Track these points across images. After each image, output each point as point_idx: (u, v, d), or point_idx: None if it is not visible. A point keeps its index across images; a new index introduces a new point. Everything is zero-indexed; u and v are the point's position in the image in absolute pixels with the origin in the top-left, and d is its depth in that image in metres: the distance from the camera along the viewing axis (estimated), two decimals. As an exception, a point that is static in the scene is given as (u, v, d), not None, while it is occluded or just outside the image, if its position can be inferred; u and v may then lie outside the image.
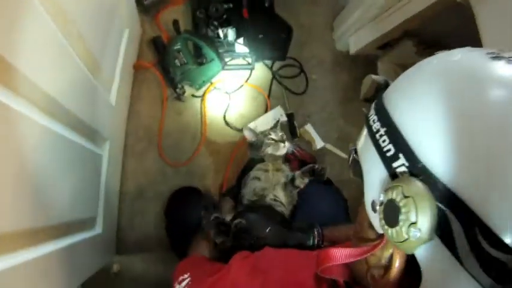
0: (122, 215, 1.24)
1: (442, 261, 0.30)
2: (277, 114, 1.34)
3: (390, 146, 0.34)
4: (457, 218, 0.29)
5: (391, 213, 0.32)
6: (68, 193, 0.77)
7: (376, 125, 0.37)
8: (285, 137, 0.95)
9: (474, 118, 0.29)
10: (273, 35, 1.34)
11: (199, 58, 1.25)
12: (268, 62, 1.41)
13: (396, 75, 0.40)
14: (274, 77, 1.40)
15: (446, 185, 0.29)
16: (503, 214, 0.26)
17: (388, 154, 0.34)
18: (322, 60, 1.46)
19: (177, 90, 1.26)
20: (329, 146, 1.35)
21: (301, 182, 0.88)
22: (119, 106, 1.15)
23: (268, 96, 1.38)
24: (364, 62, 1.46)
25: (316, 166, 0.87)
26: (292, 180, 0.88)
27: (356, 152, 0.43)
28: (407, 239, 0.31)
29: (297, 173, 0.88)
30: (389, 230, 0.33)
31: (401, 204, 0.31)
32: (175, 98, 1.29)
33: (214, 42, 1.29)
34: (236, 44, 1.34)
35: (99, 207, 1.04)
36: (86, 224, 0.96)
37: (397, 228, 0.32)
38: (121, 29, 1.11)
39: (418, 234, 0.30)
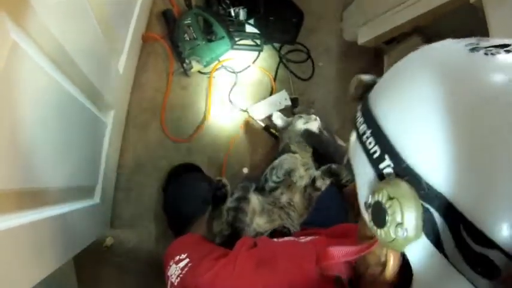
0: (119, 188, 1.23)
1: (431, 258, 0.31)
2: (282, 97, 1.34)
3: (376, 148, 0.34)
4: (442, 216, 0.29)
5: (379, 214, 0.33)
6: (72, 157, 0.76)
7: (362, 127, 0.37)
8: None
9: (454, 117, 0.29)
10: (284, 18, 1.34)
11: (209, 35, 1.24)
12: (277, 45, 1.40)
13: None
14: (281, 61, 1.40)
15: (431, 184, 0.30)
16: (485, 210, 0.27)
17: (375, 156, 0.35)
18: (329, 49, 1.47)
19: (184, 65, 1.24)
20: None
21: (323, 183, 0.87)
22: (126, 75, 1.13)
23: (274, 79, 1.39)
24: (370, 54, 1.48)
25: (333, 166, 0.87)
26: (313, 181, 0.87)
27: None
28: (395, 239, 0.32)
29: (317, 173, 0.87)
30: (378, 231, 0.34)
31: (387, 205, 0.32)
32: (181, 72, 1.28)
33: (225, 21, 1.28)
34: (246, 25, 1.33)
35: (99, 176, 1.03)
36: (85, 193, 0.95)
37: (385, 228, 0.32)
38: (135, -3, 1.09)
39: (405, 234, 0.31)
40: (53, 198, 0.69)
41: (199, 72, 1.31)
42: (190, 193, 1.11)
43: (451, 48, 0.35)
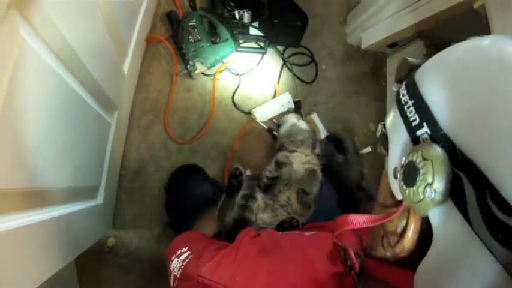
0: (121, 188, 1.24)
1: (454, 223, 0.33)
2: (285, 100, 1.35)
3: (416, 116, 0.37)
4: (470, 182, 0.31)
5: (410, 174, 0.35)
6: (76, 157, 0.76)
7: (405, 98, 0.40)
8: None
9: (494, 92, 0.32)
10: (288, 21, 1.35)
11: (213, 37, 1.24)
12: (280, 48, 1.41)
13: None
14: (284, 64, 1.41)
15: (463, 151, 0.32)
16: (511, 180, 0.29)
17: (414, 124, 0.37)
18: (333, 52, 1.47)
19: (188, 66, 1.25)
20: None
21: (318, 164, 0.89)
22: (130, 76, 1.14)
23: (278, 82, 1.39)
24: (373, 58, 1.49)
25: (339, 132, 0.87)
26: (313, 147, 0.89)
27: (385, 127, 0.47)
28: (422, 199, 0.34)
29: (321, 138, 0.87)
30: (407, 190, 0.36)
31: (420, 165, 0.34)
32: (185, 74, 1.28)
33: (230, 23, 1.28)
34: (251, 27, 1.33)
35: (103, 177, 1.03)
36: (88, 193, 0.95)
37: (414, 188, 0.34)
38: (140, -1, 1.09)
39: (433, 195, 0.33)
40: (55, 198, 0.69)
41: (203, 74, 1.31)
42: (193, 194, 1.11)
43: (500, 39, 0.37)
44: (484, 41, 0.37)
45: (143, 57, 1.28)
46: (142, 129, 1.27)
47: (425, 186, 0.33)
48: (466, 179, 0.31)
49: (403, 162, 0.37)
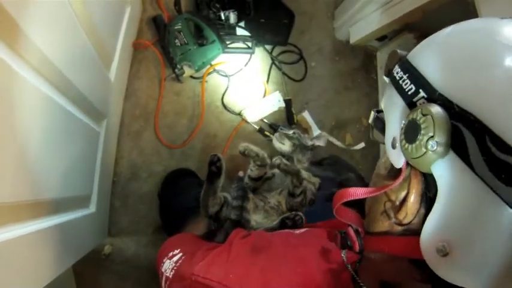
0: (115, 195, 1.24)
1: (458, 173, 0.35)
2: (275, 99, 1.34)
3: (411, 86, 0.41)
4: (469, 130, 0.34)
5: (411, 131, 0.38)
6: (65, 168, 0.76)
7: (399, 74, 0.43)
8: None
9: (480, 51, 0.36)
10: (275, 20, 1.34)
11: (199, 39, 1.24)
12: (269, 47, 1.40)
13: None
14: (273, 63, 1.40)
15: (460, 105, 0.35)
16: (508, 123, 0.32)
17: (410, 92, 0.41)
18: (322, 48, 1.46)
19: (176, 70, 1.24)
20: (324, 134, 1.36)
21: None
22: (118, 83, 1.13)
23: (267, 81, 1.38)
24: (363, 52, 1.47)
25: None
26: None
27: (378, 112, 0.51)
28: (425, 153, 0.36)
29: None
30: (409, 147, 0.38)
31: (421, 121, 0.37)
32: (173, 78, 1.28)
33: (216, 24, 1.28)
34: (237, 28, 1.32)
35: (94, 185, 1.03)
36: (81, 202, 0.95)
37: (417, 142, 0.37)
38: (123, 5, 1.09)
39: (435, 146, 0.35)
40: (45, 210, 0.69)
41: (191, 77, 1.31)
42: (185, 198, 1.11)
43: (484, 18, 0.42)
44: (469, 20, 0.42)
45: (131, 63, 1.28)
46: (133, 135, 1.27)
47: (428, 140, 0.36)
48: (464, 128, 0.34)
49: (402, 124, 0.40)
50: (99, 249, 1.19)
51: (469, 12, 0.87)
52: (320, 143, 1.22)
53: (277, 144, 1.22)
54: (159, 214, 1.21)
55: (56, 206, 0.75)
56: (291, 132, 1.19)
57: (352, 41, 1.43)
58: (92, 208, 1.03)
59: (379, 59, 1.46)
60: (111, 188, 1.22)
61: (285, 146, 1.21)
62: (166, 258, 0.68)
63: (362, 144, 1.40)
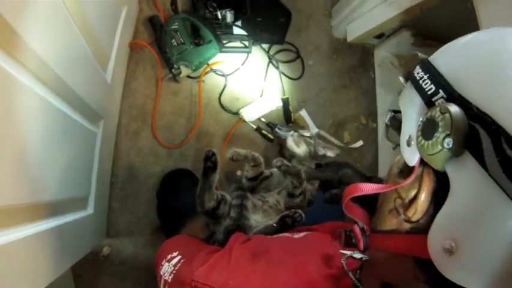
0: (113, 196, 1.23)
1: (471, 173, 0.35)
2: (273, 98, 1.34)
3: (431, 86, 0.42)
4: (486, 131, 0.34)
5: (429, 128, 0.39)
6: (62, 170, 0.75)
7: (420, 74, 0.44)
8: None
9: (501, 56, 0.37)
10: (271, 18, 1.33)
11: (196, 39, 1.24)
12: (266, 46, 1.40)
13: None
14: (270, 61, 1.39)
15: (478, 106, 0.35)
16: None
17: (429, 92, 0.42)
18: (319, 47, 1.46)
19: (173, 70, 1.24)
20: (322, 133, 1.36)
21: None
22: (114, 84, 1.13)
23: (264, 80, 1.38)
24: (360, 50, 1.47)
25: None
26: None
27: (394, 112, 0.53)
28: (441, 150, 0.37)
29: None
30: (426, 144, 0.39)
31: (439, 119, 0.37)
32: (170, 78, 1.27)
33: (212, 24, 1.27)
34: (234, 27, 1.32)
35: (92, 187, 1.03)
36: (78, 204, 0.95)
37: (434, 139, 0.38)
38: (120, 5, 1.08)
39: (451, 144, 0.36)
40: (44, 212, 0.69)
41: (188, 77, 1.30)
42: (183, 198, 1.11)
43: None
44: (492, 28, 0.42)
45: (128, 64, 1.27)
46: (131, 136, 1.26)
47: (444, 137, 0.36)
48: (481, 128, 0.34)
49: (419, 122, 0.41)
50: (98, 251, 1.19)
51: (467, 10, 0.87)
52: (331, 153, 1.24)
53: (292, 144, 1.22)
54: (157, 215, 1.21)
55: (54, 208, 0.74)
56: (308, 134, 1.20)
57: (349, 39, 1.42)
58: (90, 209, 1.02)
59: (377, 56, 1.45)
60: (109, 189, 1.22)
61: (299, 150, 1.21)
62: (164, 261, 0.68)
63: (360, 142, 1.40)
